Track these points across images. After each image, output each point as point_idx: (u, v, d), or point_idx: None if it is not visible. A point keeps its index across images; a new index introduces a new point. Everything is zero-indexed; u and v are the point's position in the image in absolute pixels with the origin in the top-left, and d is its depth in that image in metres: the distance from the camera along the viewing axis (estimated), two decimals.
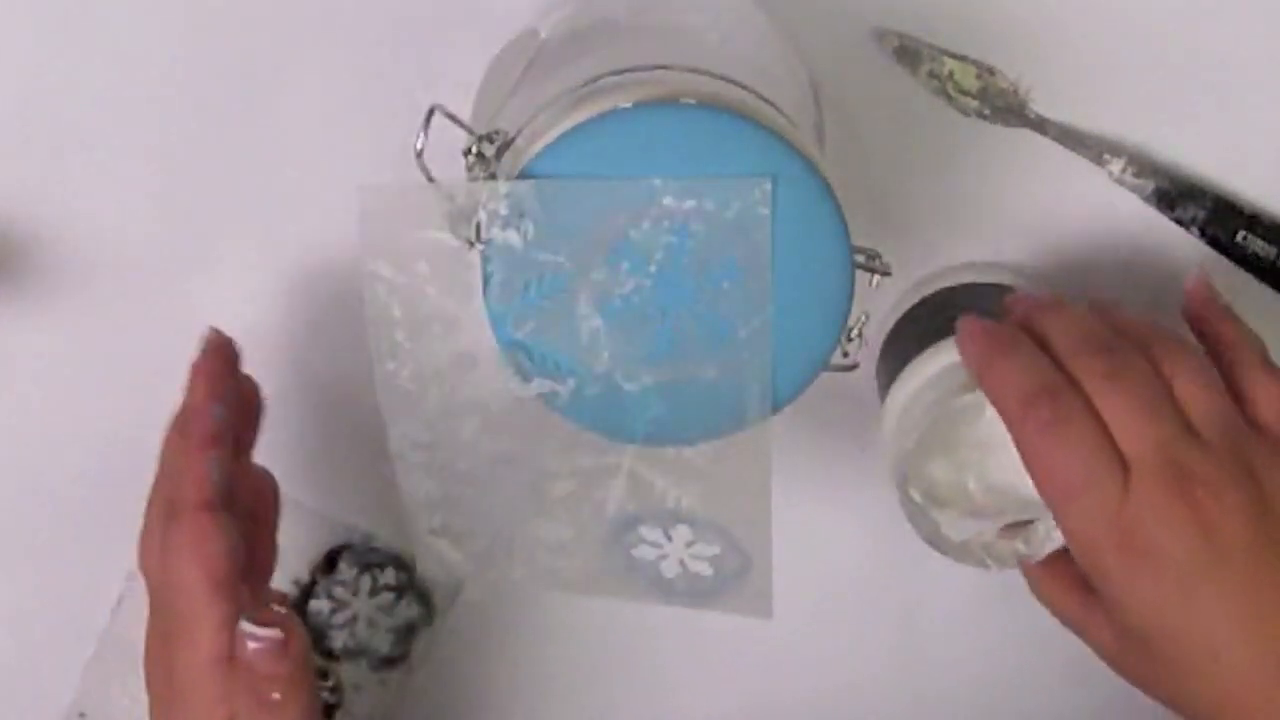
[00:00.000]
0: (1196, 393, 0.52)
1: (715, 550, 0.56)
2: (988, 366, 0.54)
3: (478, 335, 0.49)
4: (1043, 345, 0.54)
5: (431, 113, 0.47)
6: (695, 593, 0.59)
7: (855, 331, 0.48)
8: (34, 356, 0.64)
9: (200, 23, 0.60)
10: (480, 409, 0.53)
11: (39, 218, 0.62)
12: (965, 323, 0.56)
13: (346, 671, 0.71)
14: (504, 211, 0.46)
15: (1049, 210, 0.63)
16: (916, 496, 0.57)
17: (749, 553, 0.55)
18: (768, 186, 0.45)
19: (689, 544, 0.57)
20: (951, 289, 0.63)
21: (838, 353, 0.49)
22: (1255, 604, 0.49)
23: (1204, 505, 0.49)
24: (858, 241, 0.47)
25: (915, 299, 0.63)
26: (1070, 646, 0.56)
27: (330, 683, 0.71)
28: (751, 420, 0.48)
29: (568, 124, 0.46)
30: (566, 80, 0.48)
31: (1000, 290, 0.62)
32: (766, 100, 0.47)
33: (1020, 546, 0.57)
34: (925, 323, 0.62)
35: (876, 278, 0.48)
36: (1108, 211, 0.63)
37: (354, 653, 0.71)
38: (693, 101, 0.46)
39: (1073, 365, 0.52)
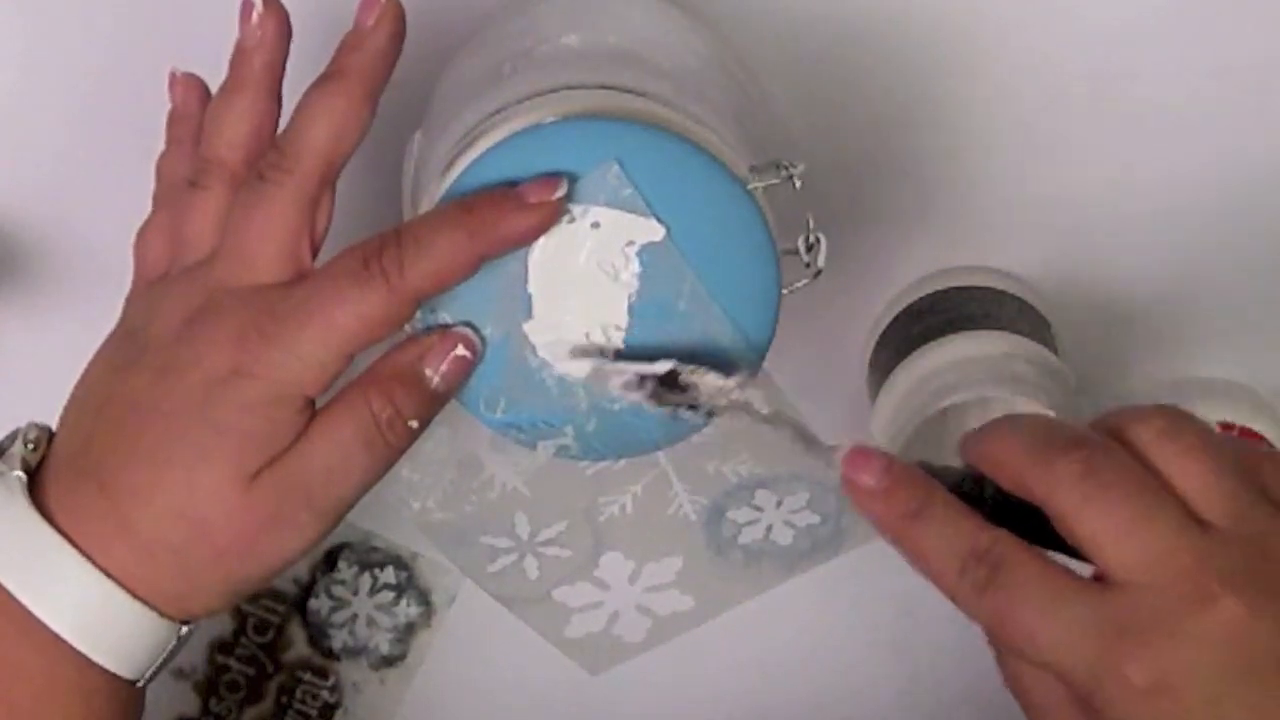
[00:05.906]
0: (1190, 469, 0.42)
1: (806, 496, 0.55)
2: (903, 534, 0.44)
3: (471, 432, 0.49)
4: (993, 467, 0.44)
5: None
6: (820, 546, 0.57)
7: (808, 240, 0.47)
8: (35, 356, 0.64)
9: (203, 24, 0.60)
10: (516, 497, 0.53)
11: (39, 218, 0.63)
12: (854, 461, 0.44)
13: (346, 671, 0.72)
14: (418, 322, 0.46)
15: (1039, 213, 0.63)
16: None
17: (832, 483, 0.54)
18: (615, 168, 0.44)
19: (779, 504, 0.56)
20: (942, 292, 0.63)
21: (798, 268, 0.47)
22: None
23: (1227, 613, 0.40)
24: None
25: (905, 303, 0.63)
26: None
27: (330, 683, 0.72)
28: (743, 373, 0.47)
29: (444, 186, 0.46)
30: (446, 145, 0.48)
31: (990, 294, 0.62)
32: (621, 88, 0.46)
33: None
34: (914, 326, 0.62)
35: (799, 182, 0.46)
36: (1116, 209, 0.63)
37: (354, 652, 0.71)
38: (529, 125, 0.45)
39: (1039, 475, 0.42)
